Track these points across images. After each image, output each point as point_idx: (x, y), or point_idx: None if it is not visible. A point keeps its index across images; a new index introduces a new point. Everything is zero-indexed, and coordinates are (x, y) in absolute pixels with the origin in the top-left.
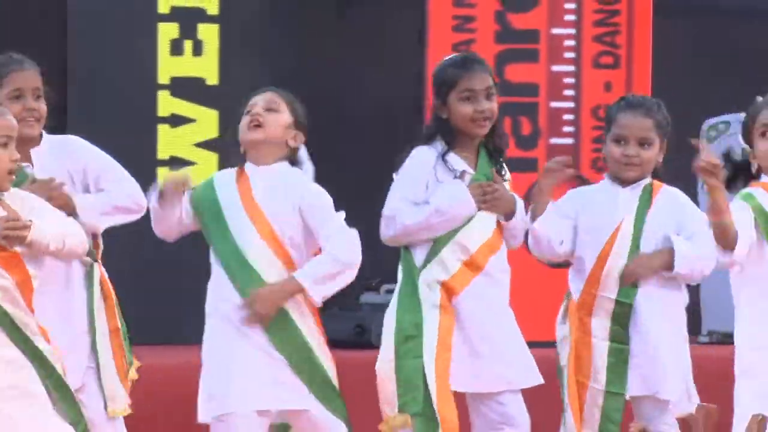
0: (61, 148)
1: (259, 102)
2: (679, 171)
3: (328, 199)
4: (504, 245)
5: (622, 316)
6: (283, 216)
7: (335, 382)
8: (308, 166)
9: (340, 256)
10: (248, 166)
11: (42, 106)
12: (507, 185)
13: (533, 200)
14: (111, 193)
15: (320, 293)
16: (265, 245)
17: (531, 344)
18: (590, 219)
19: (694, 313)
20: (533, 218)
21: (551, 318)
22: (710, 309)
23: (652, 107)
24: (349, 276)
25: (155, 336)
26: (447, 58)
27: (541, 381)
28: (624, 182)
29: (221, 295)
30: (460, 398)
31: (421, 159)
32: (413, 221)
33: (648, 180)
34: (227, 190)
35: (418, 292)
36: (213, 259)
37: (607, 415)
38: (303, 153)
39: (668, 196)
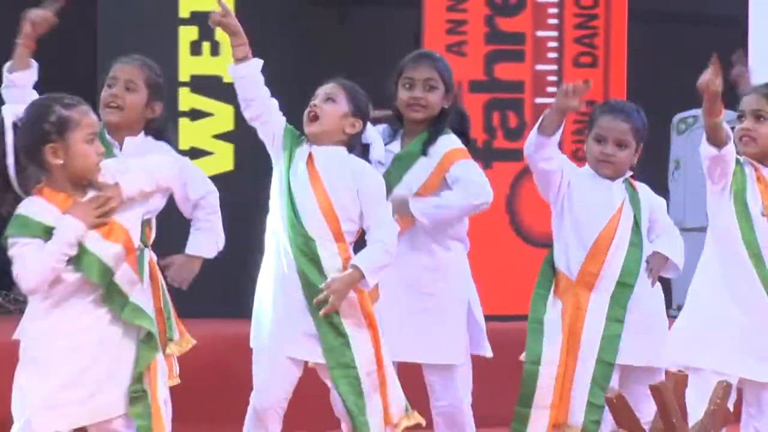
0: (149, 147)
1: (319, 93)
2: (650, 158)
3: (382, 185)
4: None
5: (623, 297)
6: (340, 191)
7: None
8: (378, 144)
9: (390, 248)
10: (312, 147)
11: (129, 97)
12: (429, 161)
13: (545, 114)
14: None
15: (373, 281)
16: (321, 216)
17: (496, 318)
18: (584, 197)
19: (664, 289)
20: (540, 128)
21: (513, 293)
22: (679, 284)
23: (631, 113)
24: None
25: (204, 310)
26: None
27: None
28: (607, 178)
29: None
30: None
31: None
32: None
33: (625, 177)
34: (301, 150)
35: None
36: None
37: (597, 382)
38: (373, 132)
39: (643, 189)
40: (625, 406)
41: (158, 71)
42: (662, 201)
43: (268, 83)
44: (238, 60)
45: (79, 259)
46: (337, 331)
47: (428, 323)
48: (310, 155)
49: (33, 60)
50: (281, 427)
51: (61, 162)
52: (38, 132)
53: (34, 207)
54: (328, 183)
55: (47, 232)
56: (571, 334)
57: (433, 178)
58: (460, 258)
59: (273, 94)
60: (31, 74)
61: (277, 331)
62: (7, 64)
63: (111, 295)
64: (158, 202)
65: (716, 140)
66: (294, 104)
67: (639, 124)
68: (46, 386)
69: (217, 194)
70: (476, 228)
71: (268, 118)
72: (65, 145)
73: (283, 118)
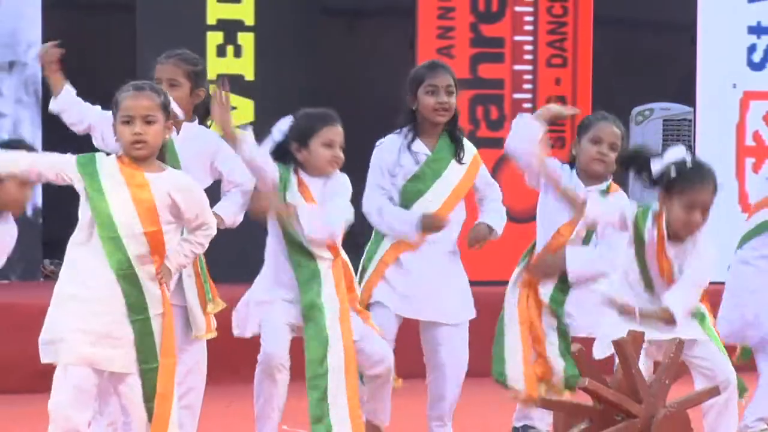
0: (202, 134)
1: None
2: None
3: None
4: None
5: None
6: None
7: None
8: None
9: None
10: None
11: (174, 93)
12: (464, 167)
13: (537, 113)
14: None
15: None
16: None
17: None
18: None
19: None
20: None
21: (495, 261)
22: None
23: (619, 123)
24: None
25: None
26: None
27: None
28: (590, 177)
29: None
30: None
31: (385, 147)
32: (376, 222)
33: (608, 182)
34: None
35: None
36: None
37: (564, 337)
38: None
39: (617, 197)
40: (587, 359)
41: (195, 60)
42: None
43: (285, 89)
44: (56, 95)
45: None
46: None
47: (459, 288)
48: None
49: (63, 79)
50: (288, 375)
51: None
52: None
53: None
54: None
55: None
56: (532, 293)
57: (465, 182)
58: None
59: (288, 97)
60: (67, 92)
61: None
62: (52, 98)
63: None
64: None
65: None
66: (307, 104)
67: (624, 133)
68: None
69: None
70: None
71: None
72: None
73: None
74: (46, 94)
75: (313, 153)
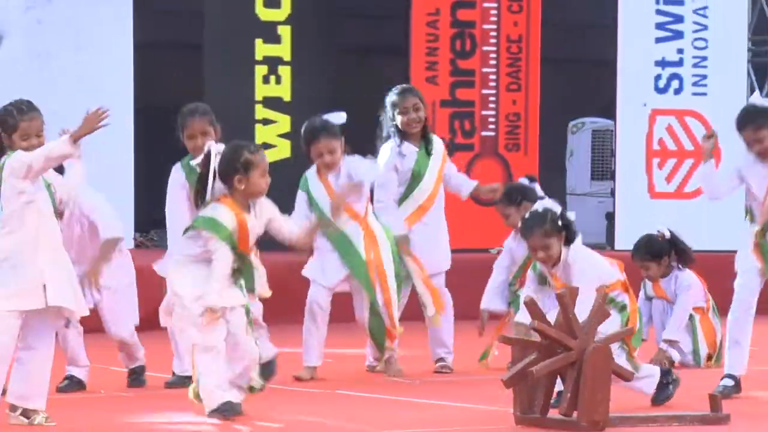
0: None
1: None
2: (558, 148)
3: None
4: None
5: None
6: None
7: None
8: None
9: None
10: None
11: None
12: (434, 158)
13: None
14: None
15: None
16: None
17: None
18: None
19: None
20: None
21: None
22: None
23: None
24: None
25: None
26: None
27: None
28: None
29: None
30: None
31: (390, 149)
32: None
33: None
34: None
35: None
36: None
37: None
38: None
39: None
40: (536, 307)
41: (208, 109)
42: None
43: (313, 108)
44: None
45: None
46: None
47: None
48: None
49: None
50: (327, 319)
51: (243, 187)
52: (232, 166)
53: (220, 211)
54: None
55: (229, 237)
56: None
57: (442, 164)
58: None
59: (315, 113)
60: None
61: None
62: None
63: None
64: None
65: None
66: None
67: None
68: None
69: None
70: (447, 195)
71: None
72: (247, 177)
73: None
74: None
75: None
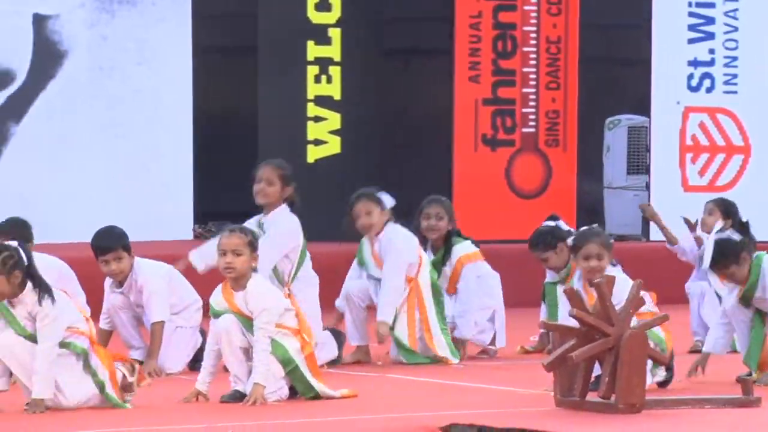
0: (284, 217)
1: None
2: (596, 145)
3: None
4: None
5: None
6: None
7: None
8: None
9: None
10: None
11: (269, 189)
12: (446, 268)
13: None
14: None
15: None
16: None
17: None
18: None
19: None
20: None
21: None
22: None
23: None
24: None
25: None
26: None
27: None
28: None
29: None
30: None
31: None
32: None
33: None
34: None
35: None
36: None
37: None
38: None
39: None
40: (576, 296)
41: (285, 165)
42: None
43: (361, 106)
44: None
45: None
46: None
47: None
48: None
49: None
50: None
51: None
52: None
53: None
54: None
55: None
56: None
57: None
58: None
59: (364, 111)
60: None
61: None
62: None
63: None
64: None
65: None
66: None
67: None
68: None
69: None
70: (493, 185)
71: None
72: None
73: None
74: None
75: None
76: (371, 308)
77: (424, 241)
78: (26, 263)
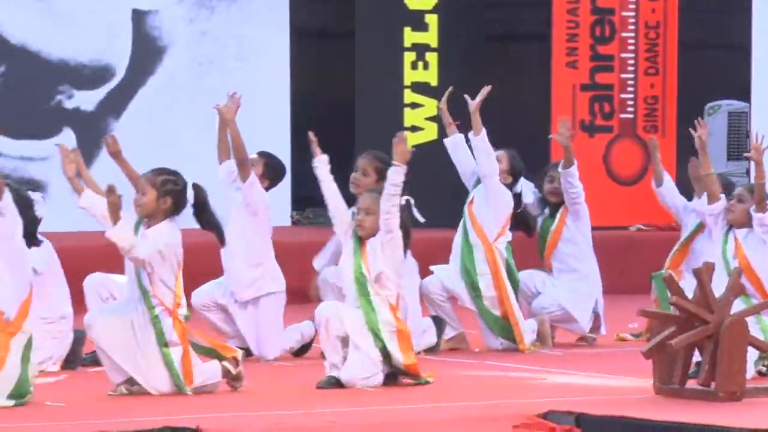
0: None
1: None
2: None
3: None
4: None
5: None
6: None
7: None
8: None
9: None
10: None
11: (363, 180)
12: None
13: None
14: None
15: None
16: None
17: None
18: None
19: None
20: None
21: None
22: None
23: None
24: None
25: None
26: None
27: None
28: None
29: None
30: None
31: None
32: None
33: None
34: None
35: None
36: None
37: None
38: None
39: None
40: (675, 283)
41: (385, 159)
42: None
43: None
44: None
45: None
46: None
47: None
48: None
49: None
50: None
51: None
52: None
53: None
54: None
55: None
56: None
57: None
58: None
59: (461, 98)
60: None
61: None
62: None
63: None
64: None
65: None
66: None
67: None
68: None
69: None
70: (591, 171)
71: None
72: None
73: None
74: None
75: None
76: (452, 299)
77: (543, 204)
78: (185, 199)
